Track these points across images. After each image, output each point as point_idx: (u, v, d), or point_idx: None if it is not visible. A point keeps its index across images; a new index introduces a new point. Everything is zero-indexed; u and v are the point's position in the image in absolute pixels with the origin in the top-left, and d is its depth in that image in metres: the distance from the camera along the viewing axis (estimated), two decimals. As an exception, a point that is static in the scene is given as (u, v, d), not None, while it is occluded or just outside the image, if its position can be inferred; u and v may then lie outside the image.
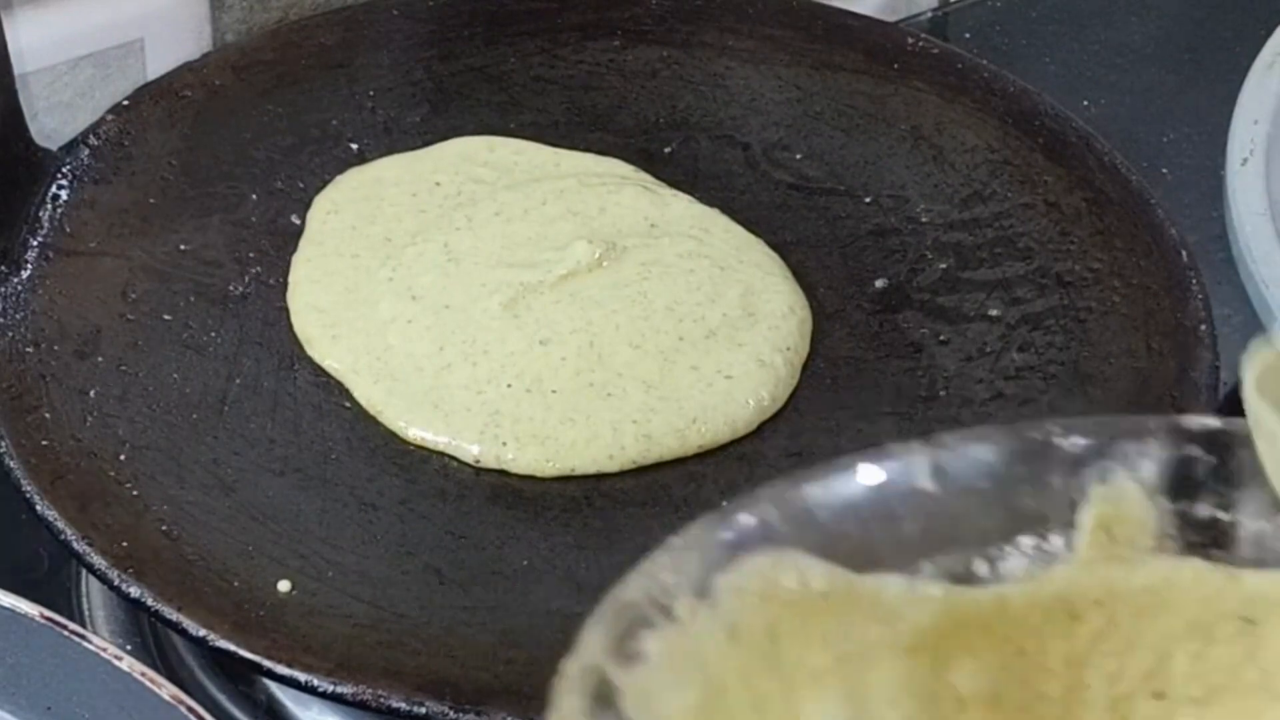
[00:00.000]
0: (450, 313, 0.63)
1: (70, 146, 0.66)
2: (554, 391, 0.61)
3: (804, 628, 0.41)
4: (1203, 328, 0.62)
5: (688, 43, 0.72)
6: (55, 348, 0.61)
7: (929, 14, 0.89)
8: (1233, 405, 0.72)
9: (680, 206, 0.67)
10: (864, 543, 0.42)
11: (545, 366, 0.61)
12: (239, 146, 0.68)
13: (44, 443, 0.58)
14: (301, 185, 0.67)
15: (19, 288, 0.62)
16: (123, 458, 0.58)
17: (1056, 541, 0.43)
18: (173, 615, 0.54)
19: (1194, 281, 0.64)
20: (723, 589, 0.41)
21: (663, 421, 0.61)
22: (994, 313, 0.64)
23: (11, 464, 0.57)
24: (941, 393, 0.62)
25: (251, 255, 0.65)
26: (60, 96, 0.73)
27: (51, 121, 0.73)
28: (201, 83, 0.69)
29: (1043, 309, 0.64)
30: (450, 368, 0.61)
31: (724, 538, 0.42)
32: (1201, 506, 0.44)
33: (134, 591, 0.54)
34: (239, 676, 0.61)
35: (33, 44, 0.71)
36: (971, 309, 0.64)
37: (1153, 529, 0.43)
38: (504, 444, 0.60)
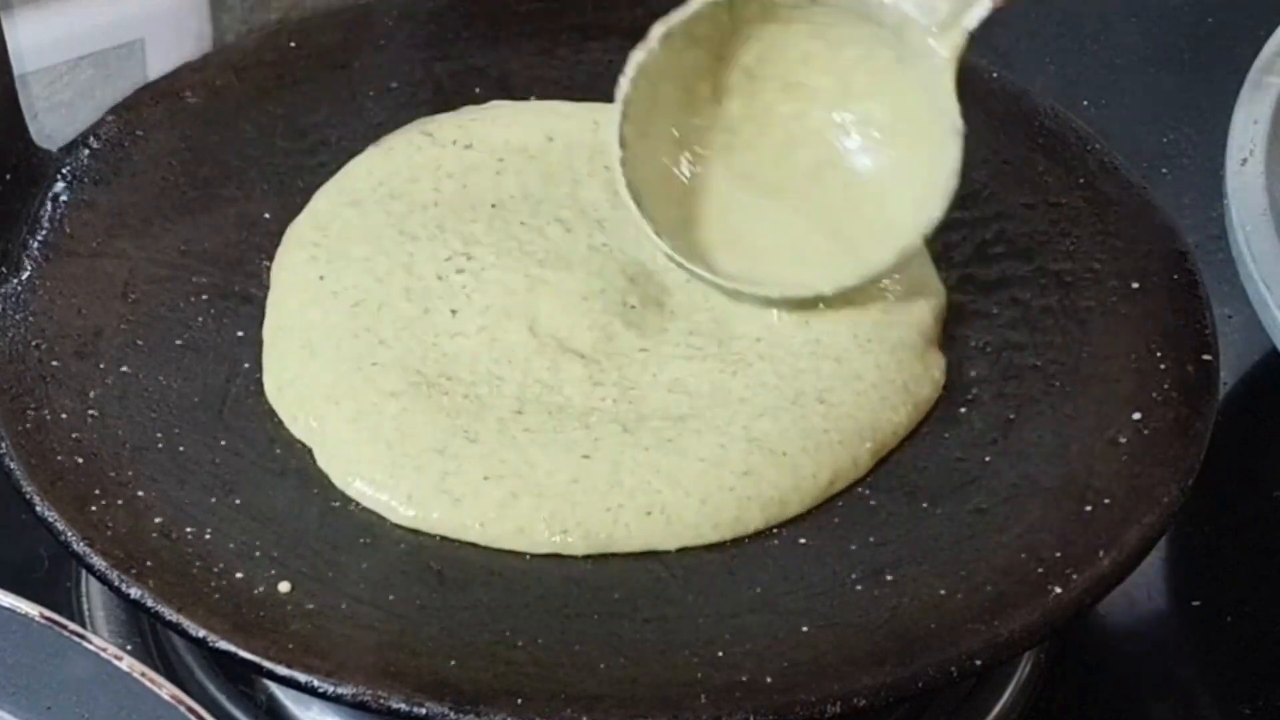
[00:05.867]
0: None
1: (70, 147, 0.66)
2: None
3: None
4: (1203, 328, 0.62)
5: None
6: (55, 348, 0.61)
7: (929, 14, 0.89)
8: (1233, 405, 0.73)
9: None
10: None
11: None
12: (239, 147, 0.68)
13: (44, 443, 0.58)
14: (301, 185, 0.67)
15: (19, 288, 0.62)
16: (123, 458, 0.58)
17: None
18: (173, 615, 0.54)
19: (1194, 281, 0.64)
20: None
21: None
22: (994, 312, 0.64)
23: (11, 464, 0.57)
24: (940, 392, 0.62)
25: (251, 255, 0.65)
26: (60, 96, 0.74)
27: (51, 121, 0.73)
28: (202, 83, 0.69)
29: (1042, 309, 0.64)
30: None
31: None
32: None
33: (134, 592, 0.54)
34: (239, 676, 0.61)
35: (33, 44, 0.72)
36: (971, 308, 0.64)
37: None
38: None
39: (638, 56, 0.63)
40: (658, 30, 0.63)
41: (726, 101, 0.65)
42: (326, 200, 0.66)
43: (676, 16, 0.63)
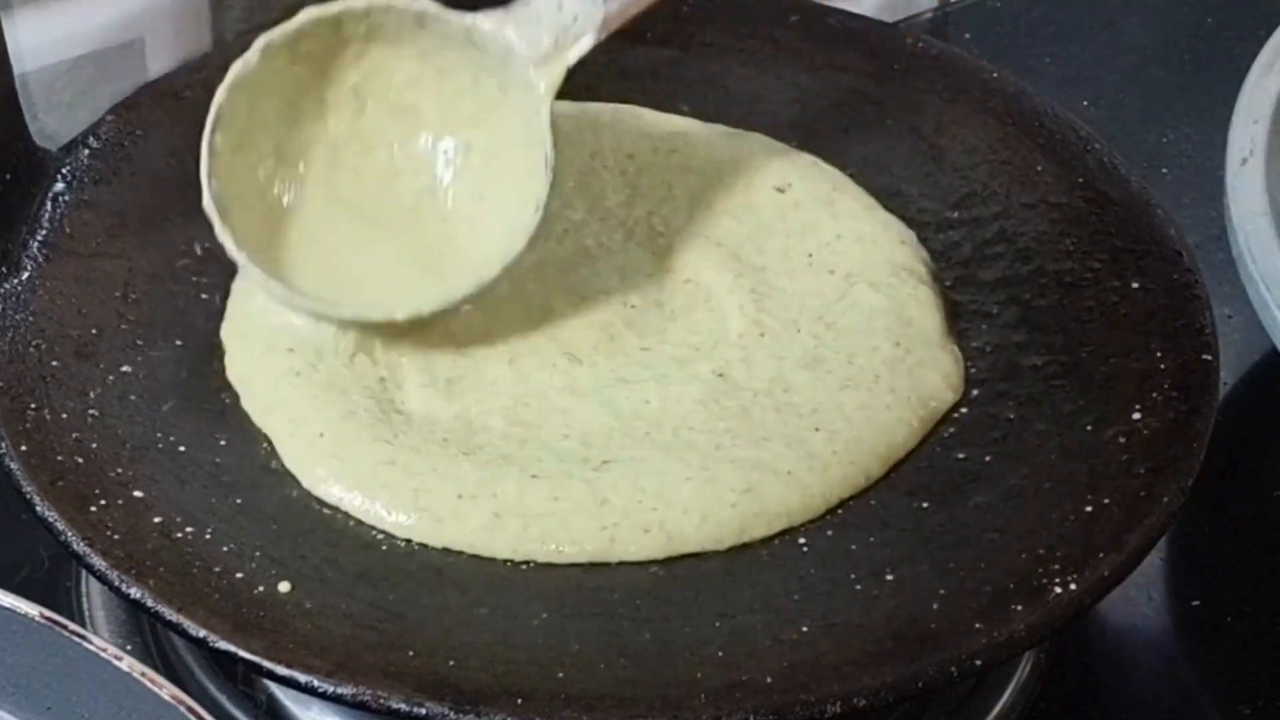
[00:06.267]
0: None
1: (70, 146, 0.66)
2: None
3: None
4: (1203, 328, 0.62)
5: (688, 43, 0.72)
6: (55, 348, 0.61)
7: (929, 14, 0.89)
8: (1233, 405, 0.73)
9: None
10: None
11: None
12: (239, 146, 0.68)
13: (44, 443, 0.58)
14: (301, 185, 0.67)
15: (19, 288, 0.62)
16: (123, 458, 0.58)
17: None
18: (173, 615, 0.54)
19: (1194, 281, 0.64)
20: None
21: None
22: (994, 312, 0.64)
23: (11, 464, 0.57)
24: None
25: (251, 255, 0.65)
26: (60, 96, 0.73)
27: (51, 121, 0.73)
28: (201, 83, 0.69)
29: (1043, 309, 0.64)
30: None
31: None
32: None
33: (134, 592, 0.54)
34: (239, 676, 0.61)
35: (33, 44, 0.71)
36: (971, 309, 0.64)
37: None
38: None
39: (235, 68, 0.60)
40: (259, 43, 0.60)
41: (332, 120, 0.62)
42: None
43: (278, 31, 0.60)
